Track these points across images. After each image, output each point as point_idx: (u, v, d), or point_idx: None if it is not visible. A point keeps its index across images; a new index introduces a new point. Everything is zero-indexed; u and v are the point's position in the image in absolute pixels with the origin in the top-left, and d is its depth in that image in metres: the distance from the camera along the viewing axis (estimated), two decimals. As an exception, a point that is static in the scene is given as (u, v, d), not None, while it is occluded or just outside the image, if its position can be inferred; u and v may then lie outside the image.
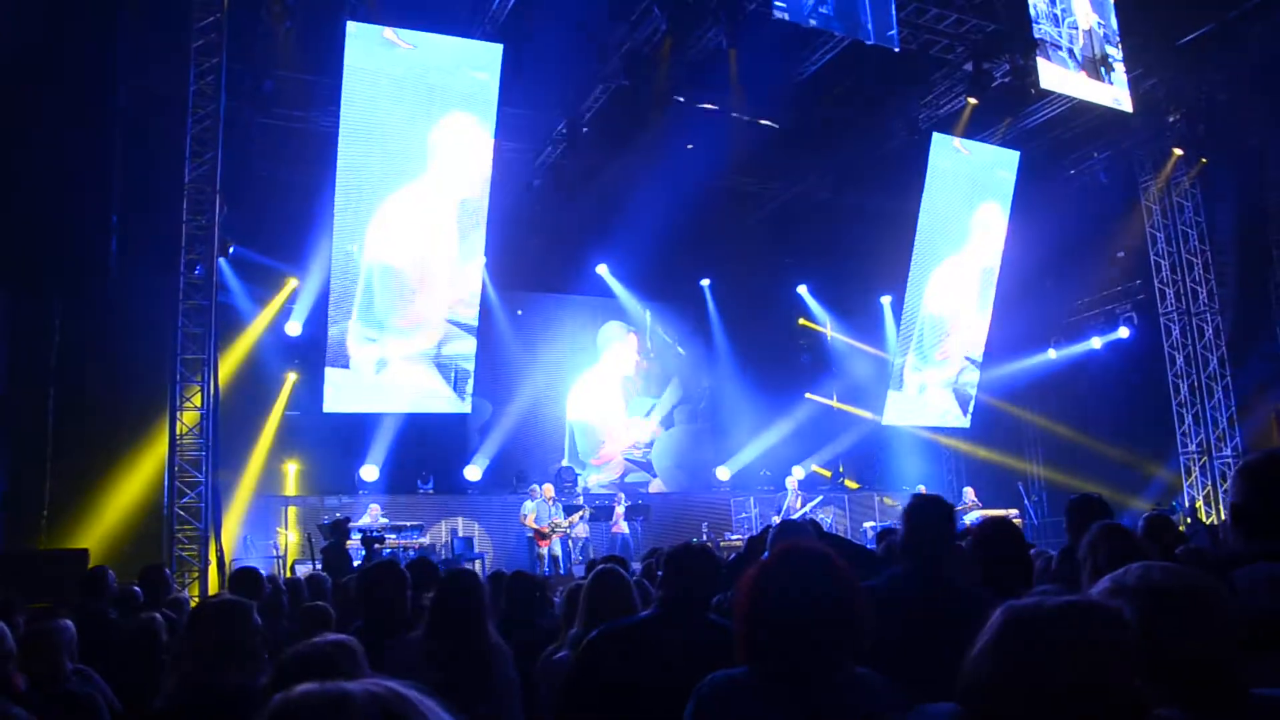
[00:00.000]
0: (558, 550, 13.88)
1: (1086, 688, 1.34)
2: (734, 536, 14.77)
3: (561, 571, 13.29)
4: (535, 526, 13.85)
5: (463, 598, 3.77)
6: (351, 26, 11.97)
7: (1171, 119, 16.64)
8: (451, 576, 4.04)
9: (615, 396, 18.56)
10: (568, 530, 14.22)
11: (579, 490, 16.43)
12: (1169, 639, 1.60)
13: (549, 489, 14.37)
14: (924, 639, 2.52)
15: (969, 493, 16.57)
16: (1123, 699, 1.34)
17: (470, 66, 12.65)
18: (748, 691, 2.11)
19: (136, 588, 6.34)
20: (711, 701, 2.16)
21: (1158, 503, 15.72)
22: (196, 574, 10.21)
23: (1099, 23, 15.67)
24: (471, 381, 13.95)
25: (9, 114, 11.29)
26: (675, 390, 19.19)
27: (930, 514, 3.58)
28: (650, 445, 18.48)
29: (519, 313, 17.47)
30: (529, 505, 14.09)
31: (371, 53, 12.14)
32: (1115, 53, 15.67)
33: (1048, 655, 1.36)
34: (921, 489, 16.89)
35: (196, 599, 9.68)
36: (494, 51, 12.60)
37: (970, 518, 15.50)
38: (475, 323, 13.82)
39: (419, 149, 12.73)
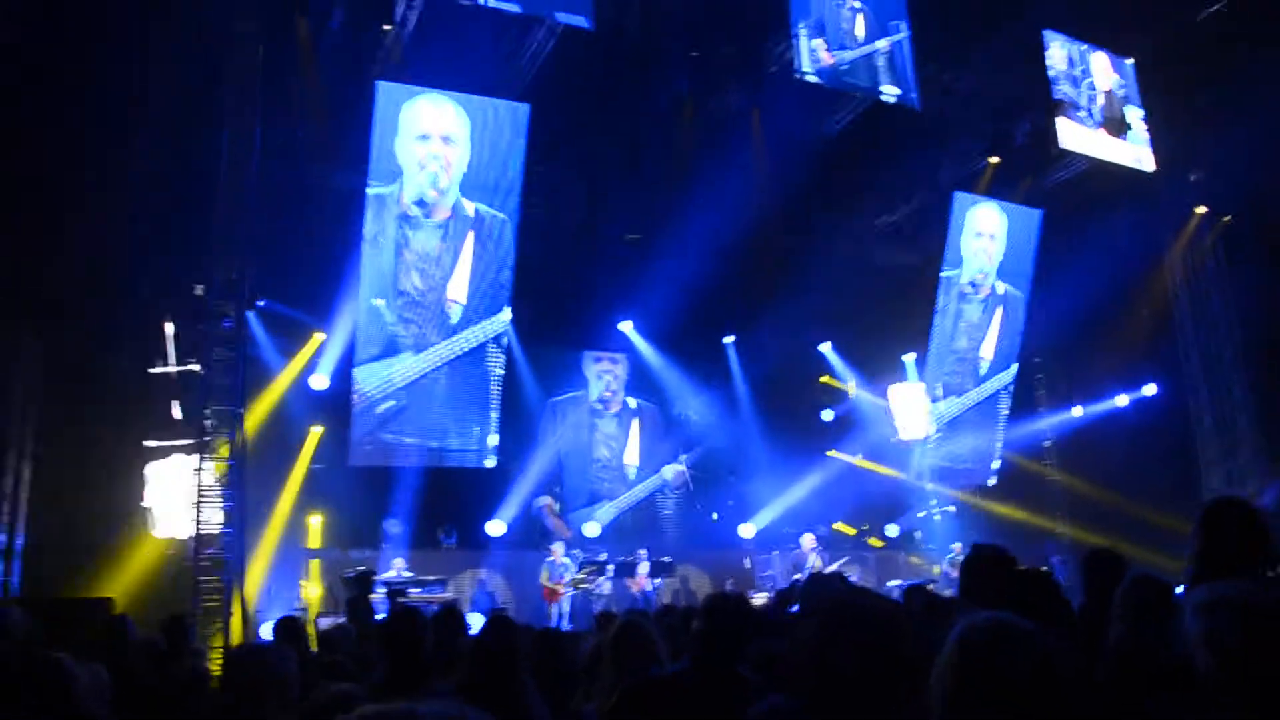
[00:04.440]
0: (566, 608, 13.78)
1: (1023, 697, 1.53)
2: (758, 594, 14.62)
3: (566, 628, 13.16)
4: (546, 584, 13.85)
5: (502, 646, 3.77)
6: (381, 86, 12.24)
7: (1193, 178, 16.69)
8: (492, 624, 4.05)
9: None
10: (590, 587, 14.15)
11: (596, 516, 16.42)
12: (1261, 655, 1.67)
13: (558, 548, 14.31)
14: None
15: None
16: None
17: (498, 124, 12.84)
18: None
19: (159, 637, 6.35)
20: None
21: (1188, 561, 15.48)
22: (219, 625, 10.21)
23: (1119, 84, 15.83)
24: (496, 436, 13.97)
25: (40, 165, 11.56)
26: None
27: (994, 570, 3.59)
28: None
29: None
30: (545, 564, 14.12)
31: (399, 110, 12.38)
32: (1136, 112, 15.81)
33: (997, 665, 1.56)
34: (957, 547, 16.74)
35: (219, 649, 9.68)
36: (521, 111, 12.81)
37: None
38: (502, 376, 13.88)
39: (444, 201, 12.94)
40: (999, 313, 17.28)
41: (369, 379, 13.06)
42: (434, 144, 12.68)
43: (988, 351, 17.43)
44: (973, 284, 16.82)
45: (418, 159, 12.63)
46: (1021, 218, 16.62)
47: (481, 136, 12.84)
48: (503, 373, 13.93)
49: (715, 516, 18.28)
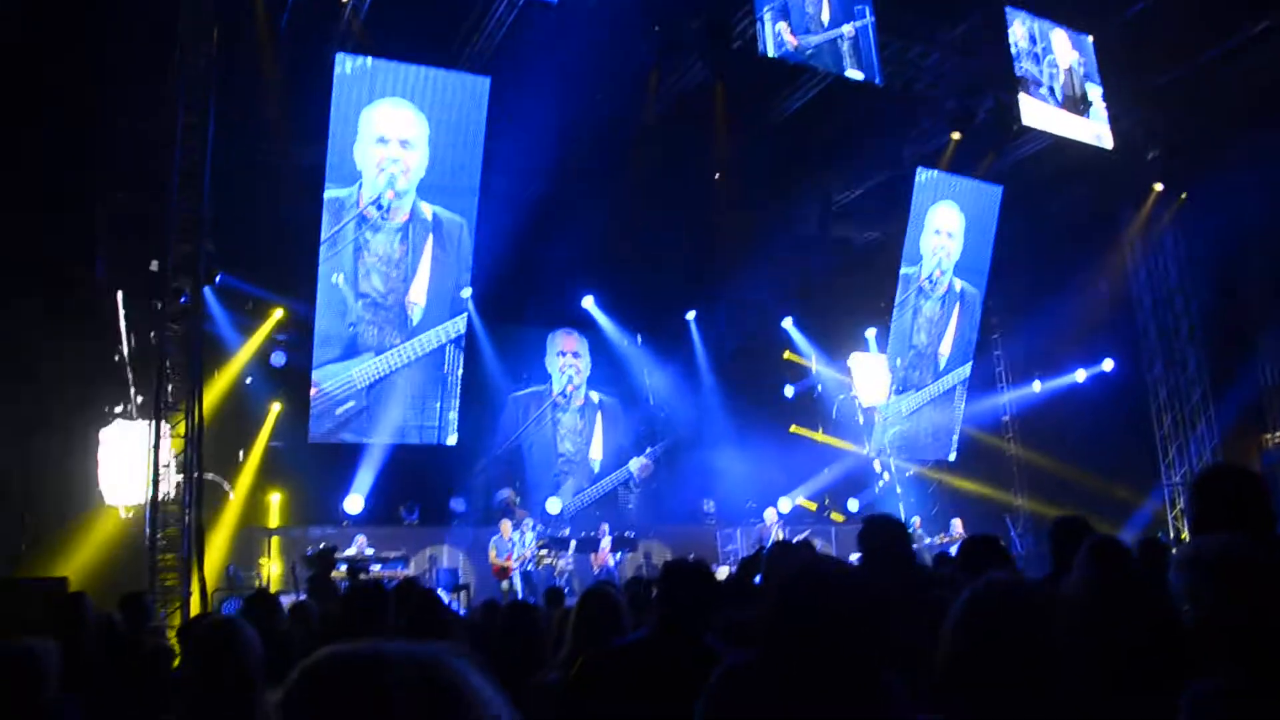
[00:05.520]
0: (518, 584, 13.74)
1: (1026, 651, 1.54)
2: (720, 568, 14.69)
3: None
4: (495, 561, 13.82)
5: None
6: (340, 59, 12.05)
7: (1151, 155, 16.87)
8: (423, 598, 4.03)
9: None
10: (552, 562, 14.15)
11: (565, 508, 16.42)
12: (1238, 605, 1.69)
13: (505, 525, 14.26)
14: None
15: (957, 524, 16.57)
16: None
17: (458, 99, 12.70)
18: (770, 681, 2.09)
19: (115, 615, 6.25)
20: (729, 687, 2.13)
21: (1143, 534, 15.76)
22: (178, 604, 10.09)
23: (1079, 61, 15.92)
24: (457, 413, 13.91)
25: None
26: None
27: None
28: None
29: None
30: (491, 541, 14.08)
31: (359, 84, 12.21)
32: (1095, 90, 15.90)
33: (999, 624, 1.57)
34: (916, 521, 16.90)
35: (176, 629, 9.56)
36: (482, 84, 12.67)
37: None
38: (462, 354, 13.81)
39: (402, 204, 12.91)
40: (957, 309, 17.44)
41: (329, 380, 13.00)
42: (392, 147, 12.68)
43: (946, 348, 17.58)
44: (930, 280, 16.95)
45: (375, 161, 12.61)
46: (980, 207, 16.73)
47: (439, 136, 12.79)
48: (461, 371, 13.90)
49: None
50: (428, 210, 13.15)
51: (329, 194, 12.43)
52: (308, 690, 0.91)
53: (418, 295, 13.36)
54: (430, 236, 13.21)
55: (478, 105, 12.66)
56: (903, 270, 16.67)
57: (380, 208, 12.77)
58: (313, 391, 12.98)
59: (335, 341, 13.00)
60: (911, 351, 17.36)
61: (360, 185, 12.64)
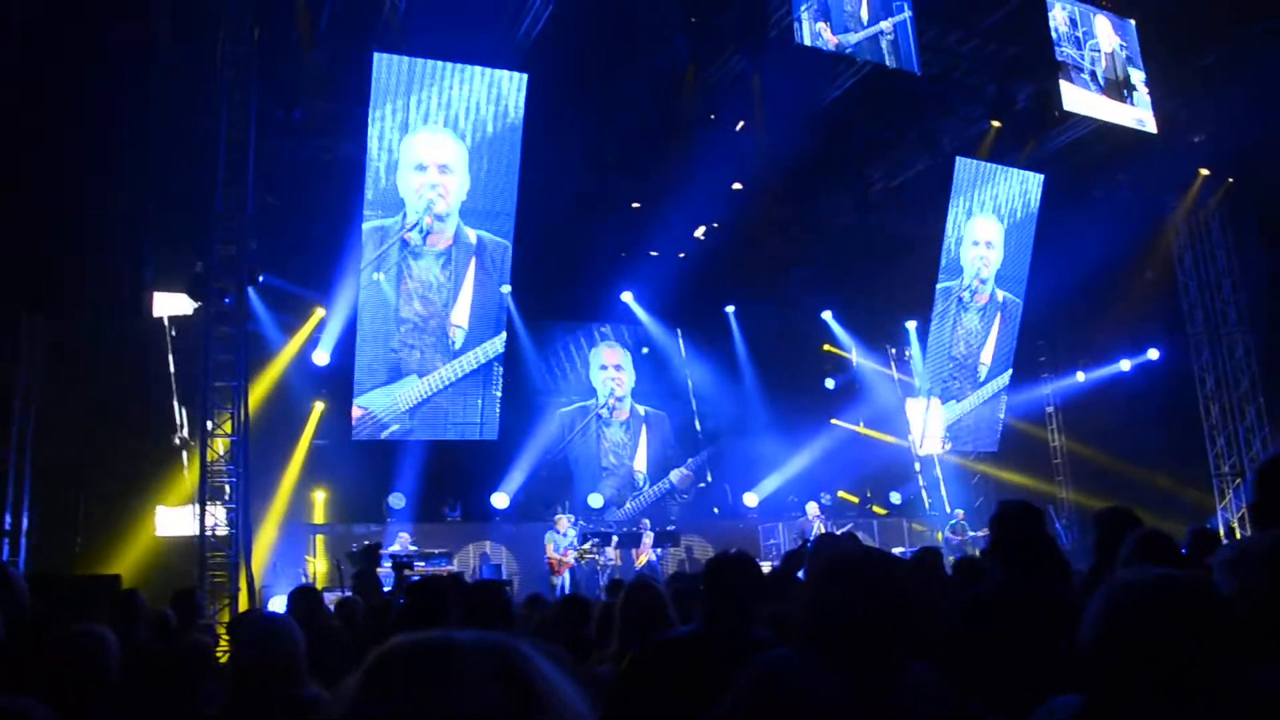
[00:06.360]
0: (567, 579, 13.80)
1: (1180, 647, 1.43)
2: (763, 563, 14.64)
3: None
4: (553, 556, 13.89)
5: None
6: (378, 57, 12.12)
7: (1196, 139, 16.57)
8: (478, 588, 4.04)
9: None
10: (596, 556, 14.19)
11: (606, 518, 16.47)
12: None
13: (563, 520, 14.32)
14: (1018, 643, 2.60)
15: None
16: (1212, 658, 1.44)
17: (495, 96, 12.73)
18: (809, 670, 2.09)
19: (169, 611, 6.34)
20: (770, 677, 2.14)
21: (1191, 526, 15.50)
22: (227, 600, 10.24)
23: (1121, 45, 15.66)
24: (499, 410, 13.97)
25: (40, 147, 11.49)
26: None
27: (1025, 523, 3.59)
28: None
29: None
30: (548, 536, 14.15)
31: (398, 82, 12.27)
32: (1138, 74, 15.64)
33: (1149, 620, 1.46)
34: (959, 513, 16.73)
35: (226, 625, 9.69)
36: (519, 81, 12.69)
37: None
38: (503, 350, 13.85)
39: (445, 229, 13.00)
40: (998, 320, 17.19)
41: (374, 405, 13.09)
42: (430, 173, 12.75)
43: (986, 357, 17.34)
44: (970, 291, 16.74)
45: (415, 188, 12.71)
46: (1020, 213, 16.47)
47: (479, 158, 12.84)
48: (499, 394, 13.95)
49: (716, 510, 18.39)
50: (472, 235, 13.22)
51: (369, 224, 12.54)
52: (379, 679, 0.91)
53: (460, 318, 13.42)
54: (474, 260, 13.29)
55: (515, 111, 12.68)
56: (941, 284, 16.45)
57: (422, 233, 12.86)
58: (356, 414, 13.06)
59: (378, 369, 13.08)
60: (951, 364, 17.15)
61: (404, 215, 12.78)
